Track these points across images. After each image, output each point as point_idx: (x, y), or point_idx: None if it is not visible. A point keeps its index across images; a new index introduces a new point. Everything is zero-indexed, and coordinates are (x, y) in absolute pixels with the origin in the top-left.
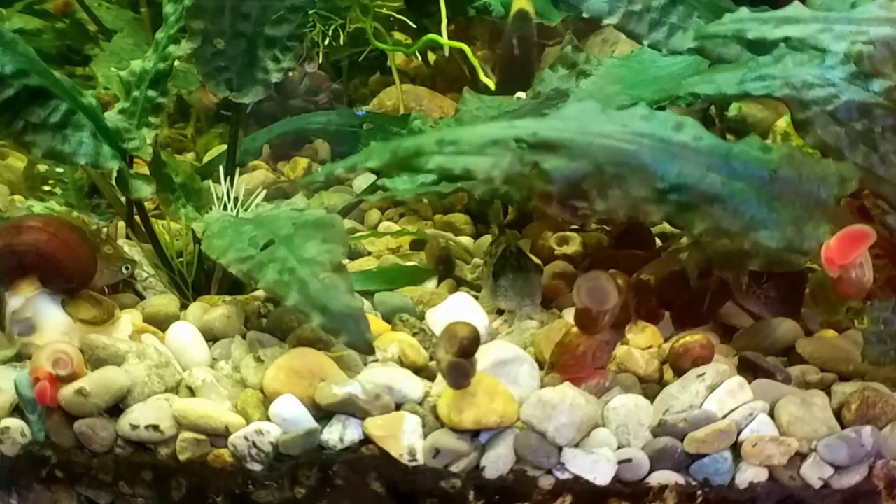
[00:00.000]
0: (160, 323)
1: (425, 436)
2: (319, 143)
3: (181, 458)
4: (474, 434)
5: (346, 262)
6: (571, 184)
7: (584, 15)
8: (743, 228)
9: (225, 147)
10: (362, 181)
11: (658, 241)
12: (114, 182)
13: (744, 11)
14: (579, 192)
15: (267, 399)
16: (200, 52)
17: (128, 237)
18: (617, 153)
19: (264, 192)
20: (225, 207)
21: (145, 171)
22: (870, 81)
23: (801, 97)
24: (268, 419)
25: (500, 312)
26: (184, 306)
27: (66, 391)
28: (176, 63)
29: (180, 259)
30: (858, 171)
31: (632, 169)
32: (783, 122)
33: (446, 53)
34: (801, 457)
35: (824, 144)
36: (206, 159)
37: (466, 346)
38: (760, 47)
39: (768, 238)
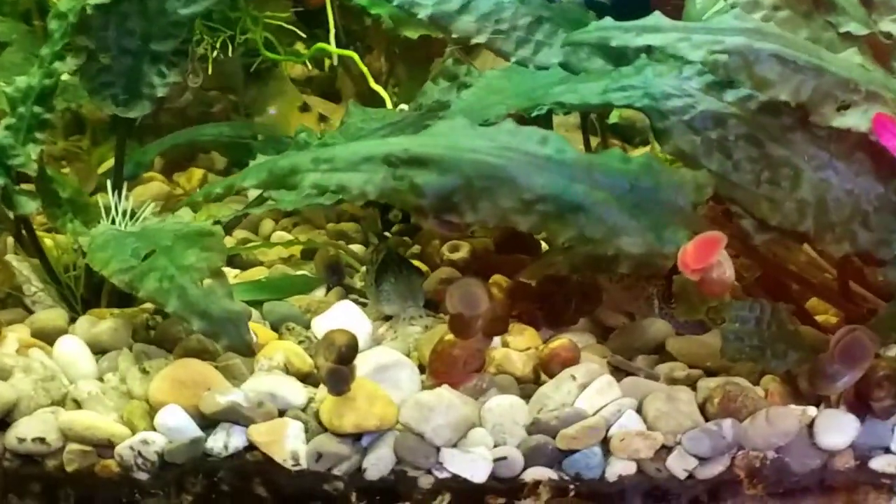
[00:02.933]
0: (48, 337)
1: (308, 441)
2: (216, 154)
3: (68, 469)
4: (356, 437)
5: (225, 268)
6: (442, 197)
7: (453, 36)
8: (606, 235)
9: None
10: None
11: (544, 246)
12: None
13: (608, 20)
14: (450, 205)
15: (153, 409)
16: (86, 69)
17: (16, 252)
18: (485, 167)
19: (152, 204)
20: (113, 221)
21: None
22: (724, 91)
23: (659, 107)
24: (153, 429)
25: (388, 319)
26: (73, 320)
27: None
28: (66, 77)
29: (70, 273)
30: (714, 179)
31: (500, 181)
32: None
33: (335, 62)
34: (666, 450)
35: (682, 153)
36: (100, 171)
37: (345, 353)
38: (623, 55)
39: (630, 244)
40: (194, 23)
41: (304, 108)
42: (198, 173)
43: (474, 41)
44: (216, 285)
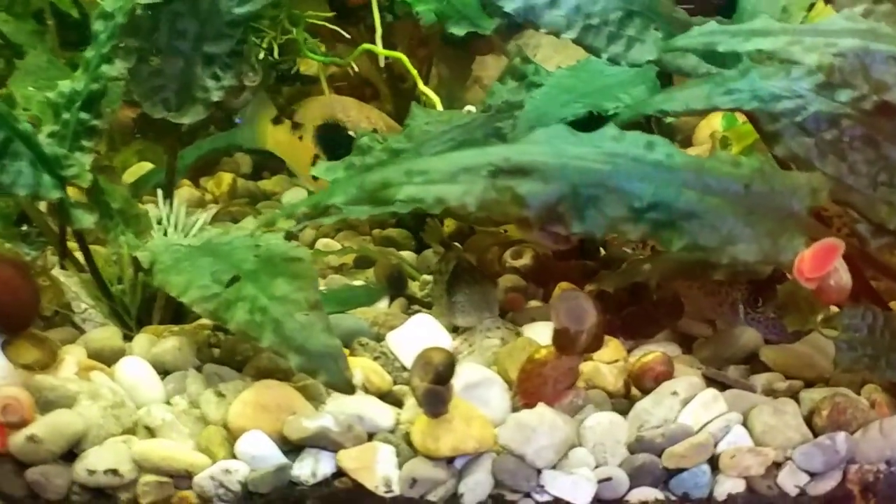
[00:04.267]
0: (106, 358)
1: (400, 465)
2: (240, 157)
3: (143, 502)
4: (450, 460)
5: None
6: (547, 207)
7: (542, 31)
8: (720, 243)
9: (146, 164)
10: (290, 196)
11: (601, 250)
12: (45, 210)
13: (713, 24)
14: (556, 215)
15: (231, 435)
16: (135, 72)
17: (62, 266)
18: (592, 174)
19: (204, 214)
20: (165, 232)
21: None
22: (836, 91)
23: (769, 109)
24: (233, 456)
25: (456, 329)
26: (127, 338)
27: (17, 438)
28: None
29: (115, 287)
30: (828, 182)
31: (607, 189)
32: (712, 125)
33: (381, 63)
34: (776, 466)
35: (794, 156)
36: (126, 178)
37: (442, 373)
38: (730, 60)
39: (745, 252)
40: (249, 22)
41: (277, 119)
42: (227, 178)
43: (564, 36)
44: (314, 318)
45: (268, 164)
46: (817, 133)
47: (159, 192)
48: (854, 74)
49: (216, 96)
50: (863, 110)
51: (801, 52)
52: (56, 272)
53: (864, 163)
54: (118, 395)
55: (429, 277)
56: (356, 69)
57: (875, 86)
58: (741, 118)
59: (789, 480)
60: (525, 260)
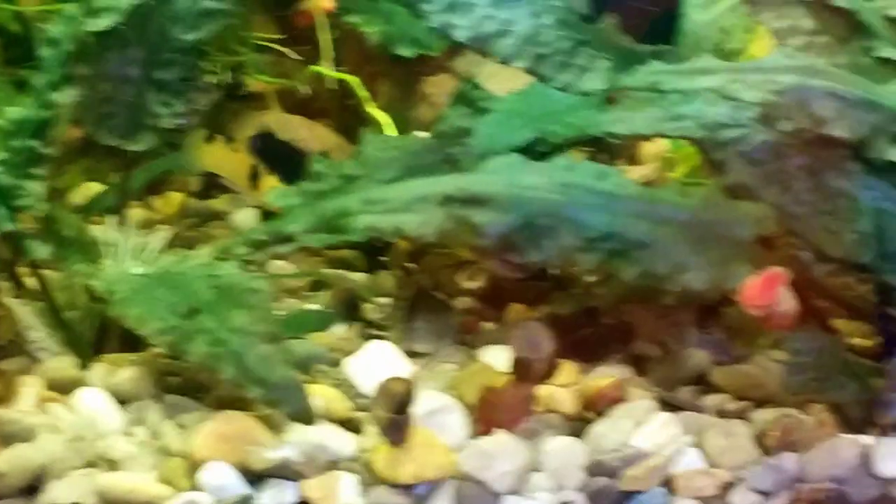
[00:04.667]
0: (63, 388)
1: (363, 493)
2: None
3: None
4: (412, 487)
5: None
6: (503, 237)
7: (496, 59)
8: (671, 271)
9: (94, 185)
10: (241, 217)
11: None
12: None
13: (657, 64)
14: (511, 244)
15: (193, 466)
16: (85, 98)
17: (16, 295)
18: (546, 205)
19: (159, 239)
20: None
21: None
22: (780, 122)
23: (715, 138)
24: (197, 488)
25: (413, 355)
26: (83, 367)
27: None
28: None
29: (72, 314)
30: (772, 211)
31: (561, 220)
32: (657, 144)
33: (333, 85)
34: (729, 486)
35: (740, 185)
36: (74, 198)
37: (403, 402)
38: None
39: (695, 280)
40: (199, 49)
41: (209, 137)
42: (176, 197)
43: (515, 65)
44: (273, 351)
45: (217, 182)
46: (761, 162)
47: (109, 216)
48: (793, 110)
49: (167, 123)
50: (804, 140)
51: (743, 90)
52: (10, 301)
53: (806, 192)
54: (78, 428)
55: (383, 300)
56: (308, 91)
57: (814, 121)
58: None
59: (741, 501)
60: (479, 282)
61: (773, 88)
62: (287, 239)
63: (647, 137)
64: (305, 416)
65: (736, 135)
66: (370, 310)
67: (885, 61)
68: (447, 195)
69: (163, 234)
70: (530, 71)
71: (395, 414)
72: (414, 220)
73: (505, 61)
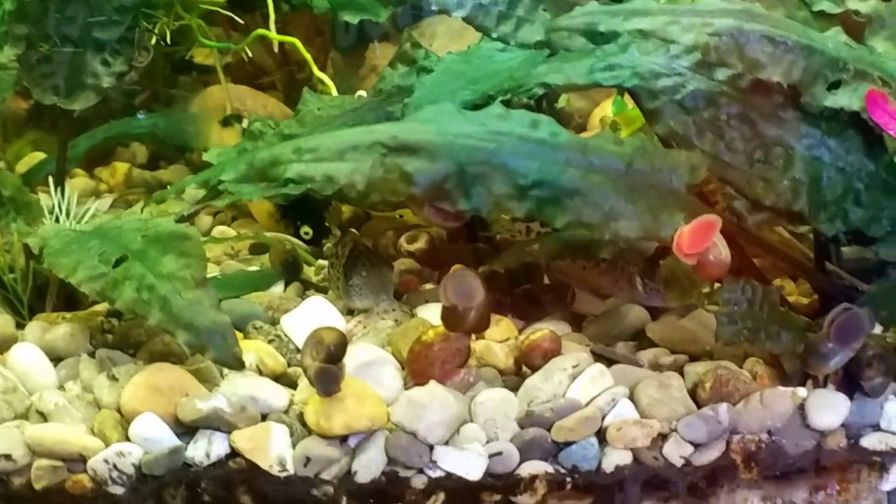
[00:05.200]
0: None
1: (294, 444)
2: (136, 147)
3: (37, 486)
4: (343, 439)
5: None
6: (434, 185)
7: (433, 8)
8: (603, 220)
9: (40, 154)
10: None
11: (496, 236)
12: None
13: (593, 5)
14: (443, 192)
15: (125, 419)
16: (24, 58)
17: None
18: (478, 152)
19: (98, 201)
20: (57, 220)
21: None
22: (714, 70)
23: (649, 87)
24: (127, 440)
25: (351, 313)
26: (20, 326)
27: None
28: None
29: (7, 276)
30: (706, 159)
31: (493, 167)
32: (605, 112)
33: (276, 49)
34: (662, 437)
35: (674, 133)
36: (19, 168)
37: (334, 352)
38: (611, 40)
39: (627, 228)
40: (139, 9)
41: (226, 122)
42: (122, 167)
43: (455, 15)
44: (201, 295)
45: (164, 153)
46: (696, 111)
47: (51, 179)
48: (729, 54)
49: (107, 82)
50: (739, 88)
51: (679, 32)
52: None
53: (740, 140)
54: (10, 381)
55: (324, 263)
56: (250, 55)
57: (749, 64)
58: (630, 104)
59: (674, 451)
60: (420, 244)
61: (710, 31)
62: (219, 193)
63: (583, 88)
64: (233, 361)
65: (670, 83)
66: (311, 272)
67: (821, 14)
68: (379, 143)
69: (106, 202)
70: (469, 20)
71: (325, 363)
72: (345, 168)
73: (445, 11)
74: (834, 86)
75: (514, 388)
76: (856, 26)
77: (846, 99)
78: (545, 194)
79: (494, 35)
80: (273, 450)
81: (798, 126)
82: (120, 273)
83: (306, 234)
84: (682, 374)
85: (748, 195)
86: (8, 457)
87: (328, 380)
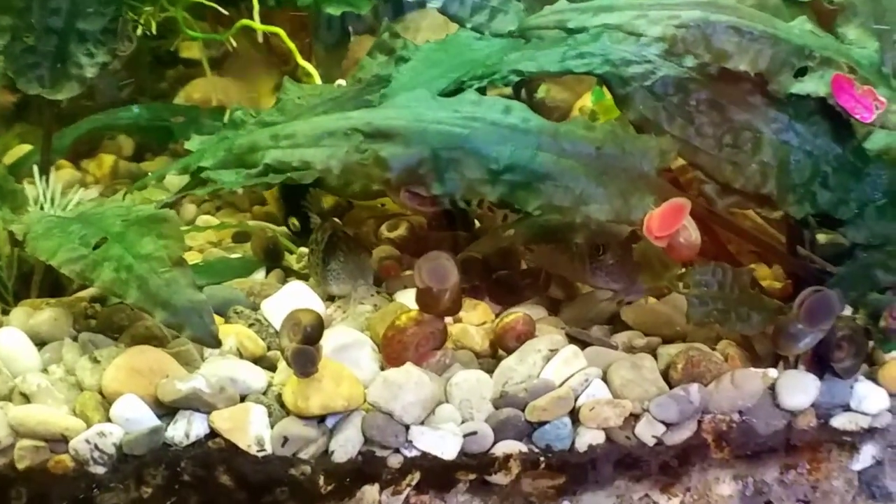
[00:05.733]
0: None
1: (272, 425)
2: (123, 139)
3: (20, 466)
4: (321, 419)
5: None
6: (409, 170)
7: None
8: (574, 203)
9: (27, 147)
10: (176, 177)
11: (476, 223)
12: None
13: (563, 3)
14: (417, 177)
15: (106, 400)
16: (9, 49)
17: None
18: (451, 138)
19: (81, 190)
20: (42, 208)
21: None
22: (684, 57)
23: (620, 74)
24: (109, 420)
25: (332, 299)
26: (4, 312)
27: None
28: None
29: None
30: (676, 144)
31: (466, 152)
32: (585, 103)
33: (260, 39)
34: (634, 417)
35: (644, 119)
36: (6, 160)
37: (311, 333)
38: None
39: (598, 211)
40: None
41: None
42: (108, 159)
43: (430, 6)
44: (178, 274)
45: (150, 145)
46: (665, 97)
47: (35, 169)
48: (696, 45)
49: (90, 73)
50: (708, 75)
51: (647, 25)
52: None
53: (710, 125)
54: None
55: (305, 250)
56: (234, 45)
57: (716, 55)
58: (608, 94)
59: (647, 431)
60: (400, 231)
61: (677, 23)
62: (202, 181)
63: (555, 76)
64: (210, 339)
65: (641, 70)
66: (293, 259)
67: (793, 2)
68: (354, 129)
69: (92, 193)
70: (443, 11)
71: (302, 344)
72: (321, 154)
73: (421, 2)
74: (800, 73)
75: (490, 370)
76: (828, 14)
77: (813, 85)
78: (517, 178)
79: (469, 25)
80: (251, 430)
81: (766, 111)
82: (99, 255)
83: (294, 225)
84: (655, 356)
85: (718, 179)
86: None
87: (305, 360)
